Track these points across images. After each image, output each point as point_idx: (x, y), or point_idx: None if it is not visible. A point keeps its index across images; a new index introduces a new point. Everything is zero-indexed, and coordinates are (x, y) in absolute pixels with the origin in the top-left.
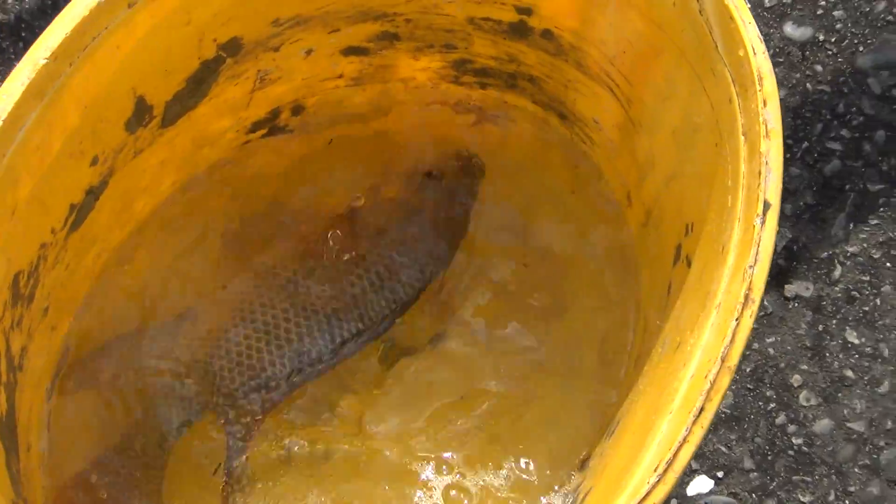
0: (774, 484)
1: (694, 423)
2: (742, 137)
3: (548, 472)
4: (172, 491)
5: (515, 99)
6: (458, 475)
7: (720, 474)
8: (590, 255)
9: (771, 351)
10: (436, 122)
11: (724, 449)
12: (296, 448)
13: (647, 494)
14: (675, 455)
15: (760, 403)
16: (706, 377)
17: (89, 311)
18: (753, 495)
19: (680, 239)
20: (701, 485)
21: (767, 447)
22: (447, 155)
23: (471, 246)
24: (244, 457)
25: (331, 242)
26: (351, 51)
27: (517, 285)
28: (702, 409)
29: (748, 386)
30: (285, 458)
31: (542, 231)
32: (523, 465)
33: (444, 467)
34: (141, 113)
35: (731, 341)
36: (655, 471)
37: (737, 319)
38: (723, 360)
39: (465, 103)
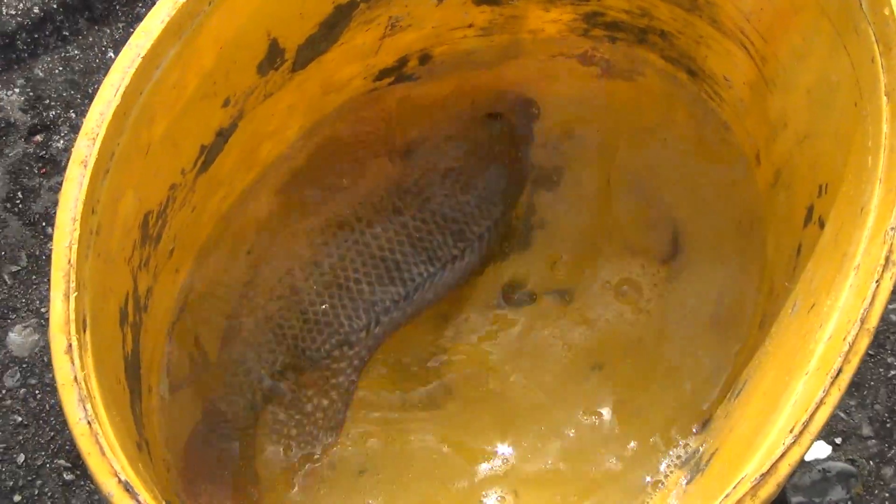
0: (893, 451)
1: (832, 384)
2: (885, 98)
3: (666, 433)
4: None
5: (644, 54)
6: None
7: (838, 440)
8: (714, 214)
9: (893, 318)
10: (559, 73)
11: (842, 415)
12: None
13: (783, 455)
14: (811, 416)
15: (881, 370)
16: (844, 339)
17: (209, 256)
18: (871, 462)
19: (812, 200)
20: (818, 450)
21: (887, 414)
22: (505, 97)
23: (594, 203)
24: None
25: (395, 184)
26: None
27: (638, 242)
28: (840, 371)
29: (869, 352)
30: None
31: (667, 188)
32: (639, 424)
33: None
34: (273, 56)
35: (871, 303)
36: (791, 432)
37: (877, 281)
38: (862, 322)
39: (592, 56)
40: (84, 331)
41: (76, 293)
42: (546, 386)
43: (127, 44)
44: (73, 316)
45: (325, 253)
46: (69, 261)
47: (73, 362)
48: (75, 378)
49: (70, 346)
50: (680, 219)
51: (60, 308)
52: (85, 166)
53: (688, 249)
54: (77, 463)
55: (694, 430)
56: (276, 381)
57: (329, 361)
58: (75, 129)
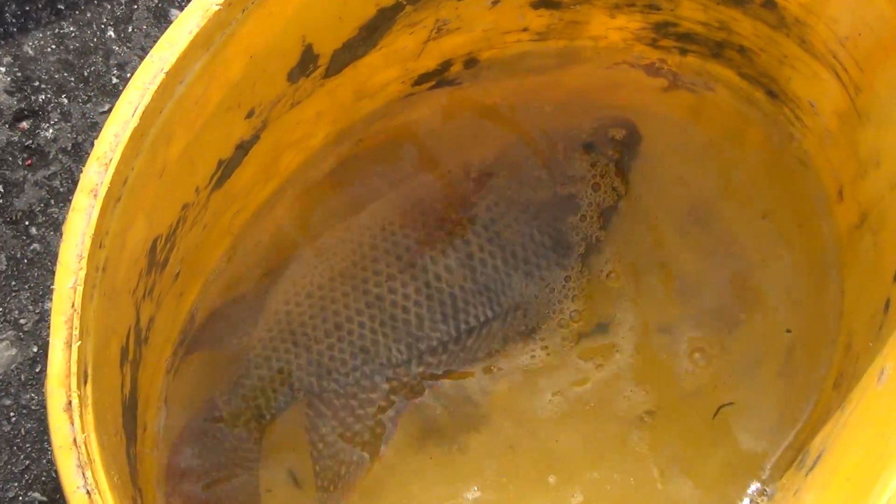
0: None
1: None
2: None
3: (719, 493)
4: (272, 471)
5: (719, 69)
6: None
7: None
8: (784, 250)
9: None
10: (621, 82)
11: None
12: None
13: None
14: None
15: None
16: None
17: (220, 275)
18: None
19: None
20: None
21: None
22: (607, 124)
23: (645, 225)
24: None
25: (460, 209)
26: (542, 3)
27: (697, 278)
28: None
29: None
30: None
31: (731, 217)
32: (689, 484)
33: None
34: (306, 62)
35: None
36: None
37: None
38: None
39: (660, 68)
40: (85, 383)
41: (79, 342)
42: (588, 433)
43: (148, 56)
44: (74, 368)
45: (371, 268)
46: (73, 304)
47: (72, 423)
48: (74, 441)
49: (70, 403)
50: (748, 251)
51: (61, 359)
52: (95, 196)
53: (756, 287)
54: (55, 497)
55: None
56: (288, 397)
57: (358, 391)
58: (67, 116)
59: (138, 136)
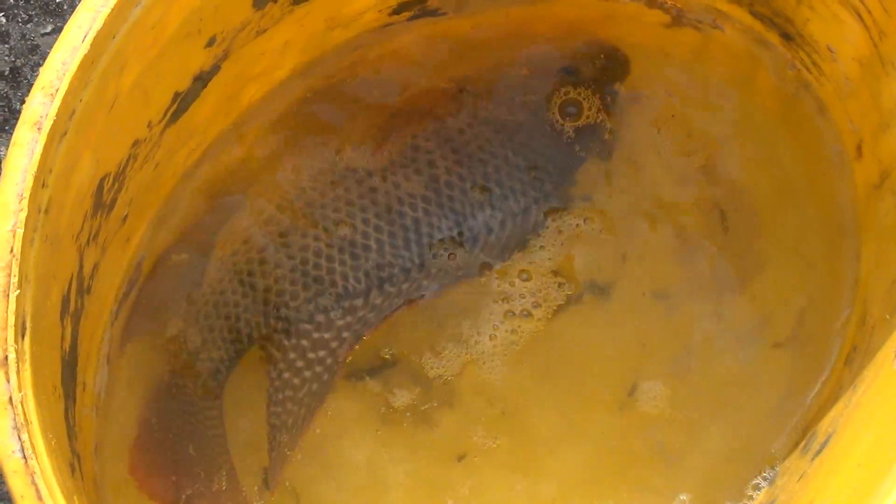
0: None
1: None
2: None
3: (715, 487)
4: (235, 427)
5: (729, 6)
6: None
7: None
8: (795, 209)
9: None
10: (619, 15)
11: None
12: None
13: None
14: None
15: None
16: None
17: (170, 219)
18: None
19: None
20: None
21: None
22: (589, 48)
23: (644, 176)
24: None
25: (428, 130)
26: None
27: (699, 235)
28: None
29: None
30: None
31: (738, 171)
32: (685, 472)
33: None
34: None
35: None
36: None
37: None
38: None
39: (662, 1)
40: (23, 337)
41: (18, 291)
42: (570, 410)
43: None
44: (11, 320)
45: (329, 193)
46: (11, 249)
47: (8, 380)
48: (10, 400)
49: (6, 358)
50: (754, 207)
51: None
52: (39, 129)
53: (763, 249)
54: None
55: (747, 488)
56: (239, 348)
57: (311, 328)
58: (4, 37)
59: (88, 64)
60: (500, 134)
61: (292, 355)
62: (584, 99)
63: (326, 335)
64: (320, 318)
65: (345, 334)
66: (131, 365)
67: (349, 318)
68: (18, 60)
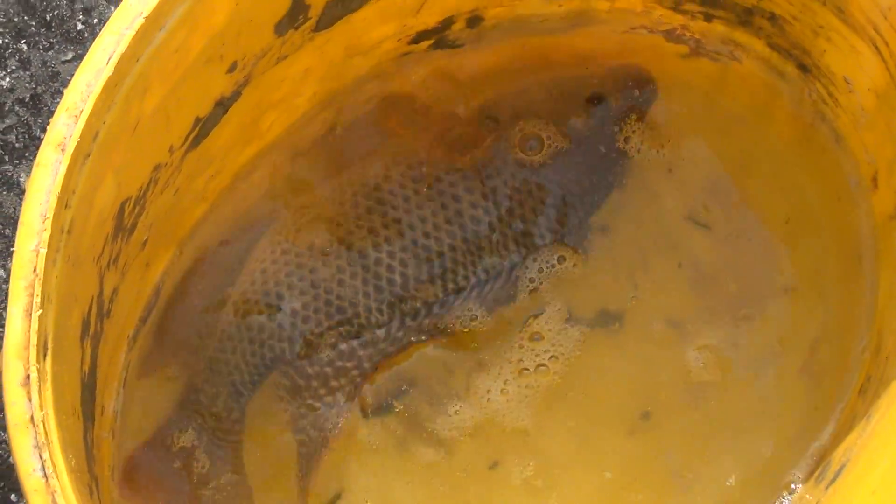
0: None
1: None
2: None
3: None
4: (256, 457)
5: (747, 38)
6: None
7: None
8: (811, 239)
9: None
10: (638, 48)
11: None
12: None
13: None
14: None
15: None
16: None
17: (190, 246)
18: None
19: None
20: None
21: None
22: (615, 75)
23: (656, 202)
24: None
25: (452, 164)
26: None
27: (713, 264)
28: None
29: None
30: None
31: (754, 200)
32: (697, 499)
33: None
34: (296, 13)
35: None
36: None
37: None
38: None
39: (682, 35)
40: (45, 357)
41: (40, 310)
42: (583, 433)
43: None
44: (34, 339)
45: (354, 222)
46: (35, 269)
47: (29, 398)
48: (32, 419)
49: (27, 377)
50: (771, 237)
51: (20, 328)
52: (63, 150)
53: (779, 278)
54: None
55: None
56: (262, 372)
57: (333, 355)
58: (26, 64)
59: (112, 86)
60: (524, 169)
61: (315, 382)
62: (615, 132)
63: (348, 364)
64: (343, 346)
65: (365, 364)
66: (146, 390)
67: (370, 350)
68: (39, 87)
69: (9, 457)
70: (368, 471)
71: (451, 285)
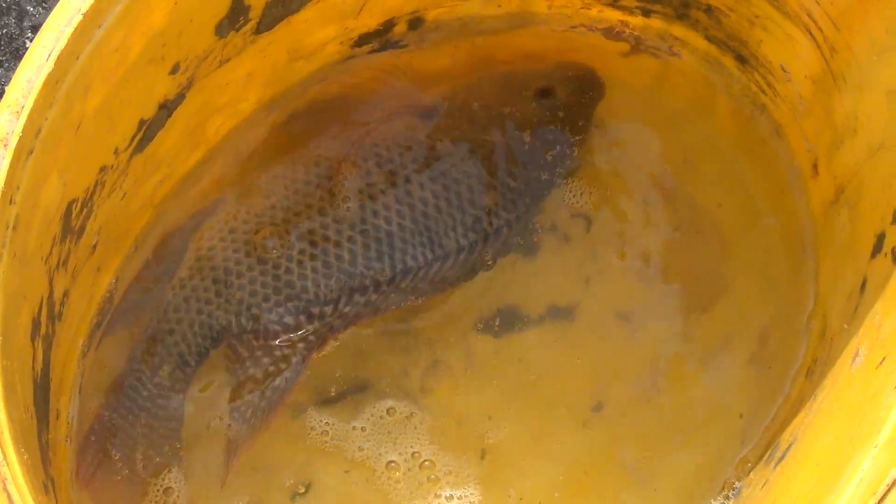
0: None
1: None
2: None
3: (684, 499)
4: (193, 432)
5: (684, 32)
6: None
7: None
8: (756, 230)
9: None
10: (579, 46)
11: None
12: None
13: None
14: (880, 501)
15: None
16: None
17: (141, 250)
18: None
19: (884, 227)
20: None
21: None
22: (563, 69)
23: (608, 201)
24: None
25: (406, 142)
26: None
27: (662, 259)
28: None
29: None
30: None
31: (699, 194)
32: (652, 491)
33: (549, 482)
34: (236, 14)
35: None
36: None
37: None
38: None
39: (620, 31)
40: None
41: None
42: (536, 427)
43: None
44: None
45: (303, 201)
46: None
47: None
48: None
49: None
50: (716, 230)
51: None
52: (5, 145)
53: (725, 270)
54: None
55: (719, 499)
56: (209, 344)
57: (279, 329)
58: None
59: (52, 82)
60: (476, 153)
61: (259, 352)
62: (560, 123)
63: (294, 336)
64: (289, 320)
65: (311, 337)
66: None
67: (317, 324)
68: None
69: None
70: (323, 470)
71: (399, 265)
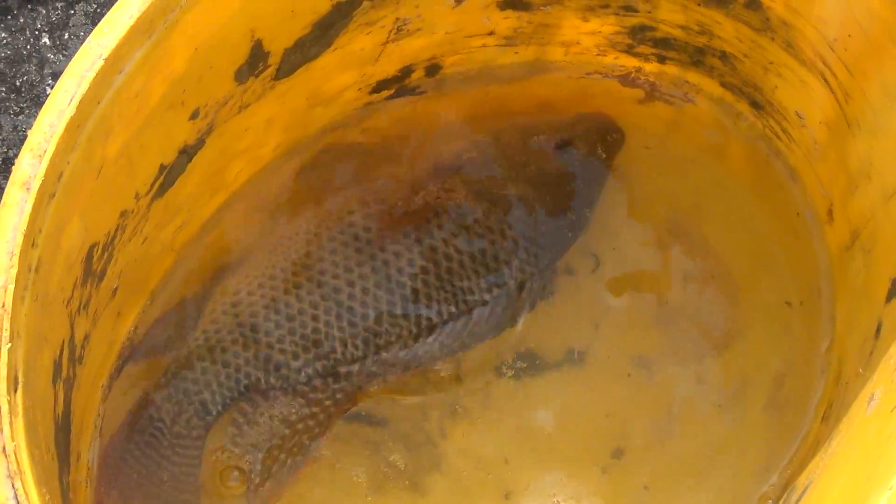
0: None
1: None
2: None
3: None
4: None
5: (699, 78)
6: None
7: None
8: (771, 274)
9: None
10: (594, 93)
11: None
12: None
13: None
14: None
15: None
16: None
17: (161, 297)
18: None
19: None
20: None
21: None
22: (583, 121)
23: (619, 244)
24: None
25: (426, 198)
26: (509, 4)
27: (675, 303)
28: None
29: None
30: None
31: (713, 239)
32: None
33: None
34: (255, 60)
35: None
36: None
37: None
38: None
39: (635, 77)
40: (15, 391)
41: (9, 344)
42: (555, 472)
43: (86, 42)
44: (3, 372)
45: (328, 259)
46: (3, 305)
47: (0, 430)
48: (3, 449)
49: None
50: (732, 275)
51: None
52: (28, 189)
53: (741, 315)
54: None
55: None
56: (235, 396)
57: (307, 389)
58: None
59: (74, 127)
60: (497, 208)
61: (286, 410)
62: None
63: (321, 395)
64: (317, 382)
65: (339, 396)
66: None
67: (344, 383)
68: (11, 151)
69: None
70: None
71: (424, 321)
